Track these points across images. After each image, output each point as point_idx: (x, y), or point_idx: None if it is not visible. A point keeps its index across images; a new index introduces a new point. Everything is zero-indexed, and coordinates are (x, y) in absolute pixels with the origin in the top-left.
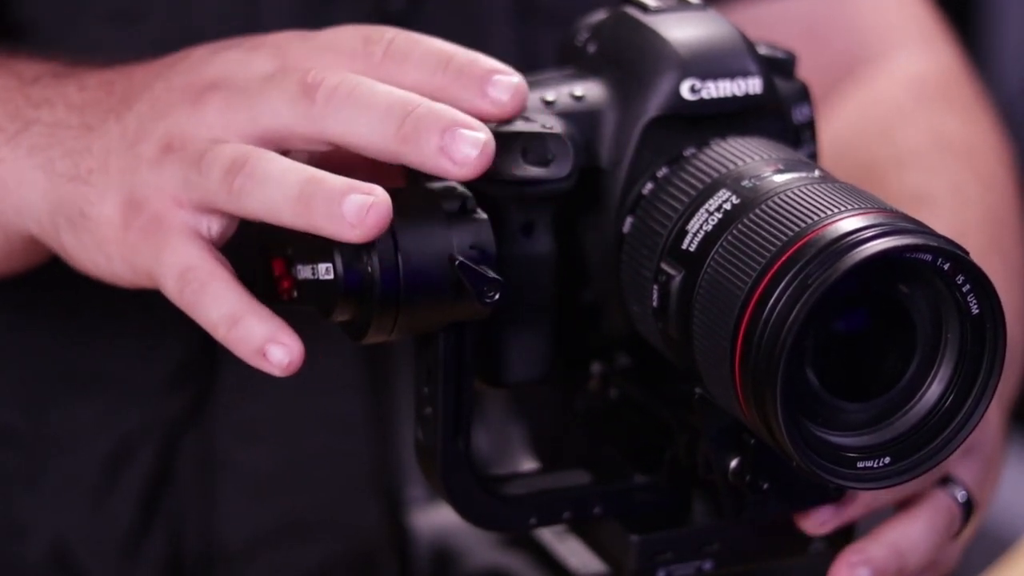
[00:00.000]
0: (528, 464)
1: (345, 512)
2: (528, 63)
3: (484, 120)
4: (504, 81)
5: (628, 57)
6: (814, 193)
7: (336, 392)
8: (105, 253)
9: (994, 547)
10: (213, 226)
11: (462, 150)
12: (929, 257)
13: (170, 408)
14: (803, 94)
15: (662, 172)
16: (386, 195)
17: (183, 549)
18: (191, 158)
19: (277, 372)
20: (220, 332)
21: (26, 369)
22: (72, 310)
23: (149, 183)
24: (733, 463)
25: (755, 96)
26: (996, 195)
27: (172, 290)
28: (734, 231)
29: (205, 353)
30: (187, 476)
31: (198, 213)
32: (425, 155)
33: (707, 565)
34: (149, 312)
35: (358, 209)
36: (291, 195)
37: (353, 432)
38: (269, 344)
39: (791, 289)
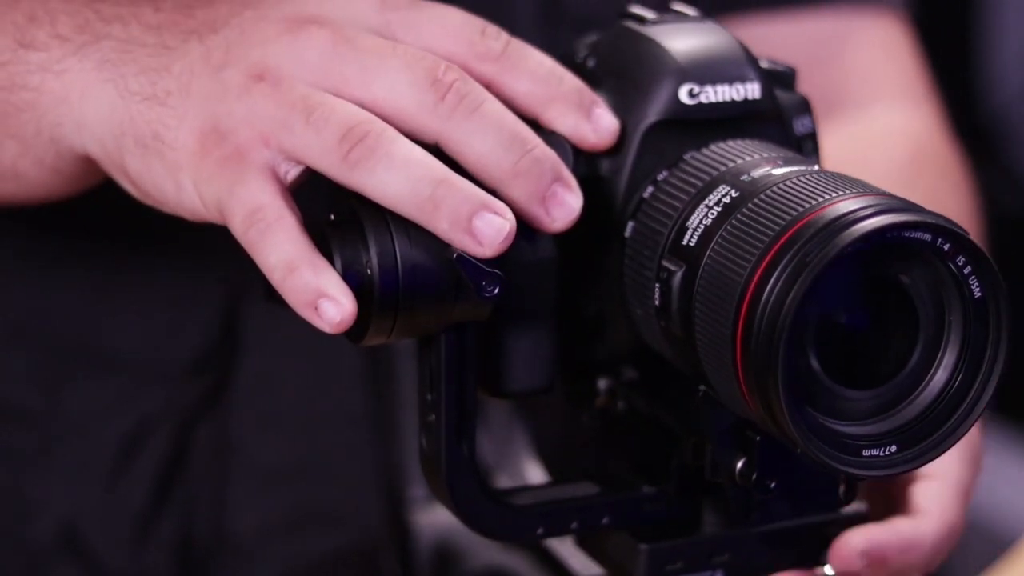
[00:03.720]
0: (533, 471)
1: (352, 507)
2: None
3: (580, 145)
4: (607, 116)
5: (627, 66)
6: (812, 181)
7: (349, 383)
8: (175, 180)
9: (994, 547)
10: (292, 171)
11: (556, 211)
12: (928, 236)
13: (188, 394)
14: (804, 106)
15: (662, 176)
16: (513, 218)
17: (193, 534)
18: (293, 101)
19: (327, 328)
20: (276, 277)
21: (44, 347)
22: (94, 290)
23: (236, 114)
24: (739, 463)
25: (754, 101)
26: None
27: (239, 227)
28: (733, 221)
29: (227, 341)
30: (200, 463)
31: (282, 156)
32: (531, 199)
33: (717, 575)
34: (171, 296)
35: (492, 232)
36: (420, 192)
37: (362, 423)
38: (322, 299)
39: (789, 270)
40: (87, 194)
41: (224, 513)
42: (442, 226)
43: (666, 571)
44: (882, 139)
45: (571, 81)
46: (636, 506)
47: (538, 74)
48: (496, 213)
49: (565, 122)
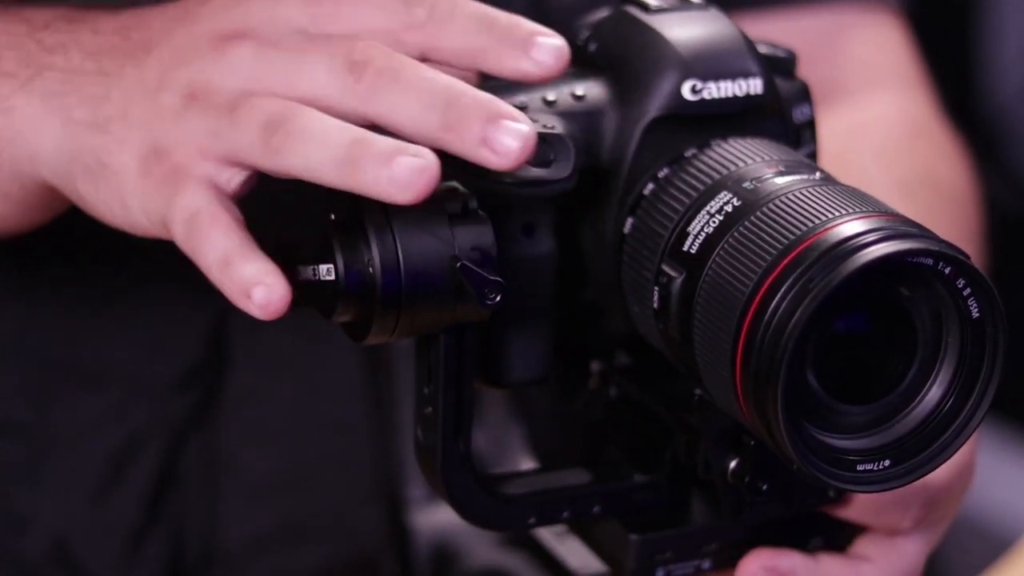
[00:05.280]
0: (528, 464)
1: (346, 516)
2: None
3: (528, 81)
4: (547, 43)
5: (629, 57)
6: (815, 196)
7: (339, 395)
8: (122, 202)
9: (994, 547)
10: (234, 179)
11: (504, 141)
12: (930, 261)
13: (177, 408)
14: (804, 93)
15: (663, 173)
16: (435, 157)
17: (184, 548)
18: (220, 108)
19: (258, 313)
20: (213, 274)
21: (33, 362)
22: (82, 305)
23: (172, 134)
24: (732, 464)
25: (756, 97)
26: (974, 247)
27: (179, 235)
28: (735, 234)
29: (214, 354)
30: (191, 477)
31: (222, 165)
32: (467, 144)
33: (706, 564)
34: (159, 310)
35: (409, 172)
36: (338, 155)
37: (355, 433)
38: (254, 285)
39: (793, 293)
40: (72, 213)
41: (215, 527)
42: (364, 182)
43: (655, 561)
44: (876, 121)
45: (503, 24)
46: (627, 496)
47: (468, 29)
48: (413, 155)
49: (505, 67)
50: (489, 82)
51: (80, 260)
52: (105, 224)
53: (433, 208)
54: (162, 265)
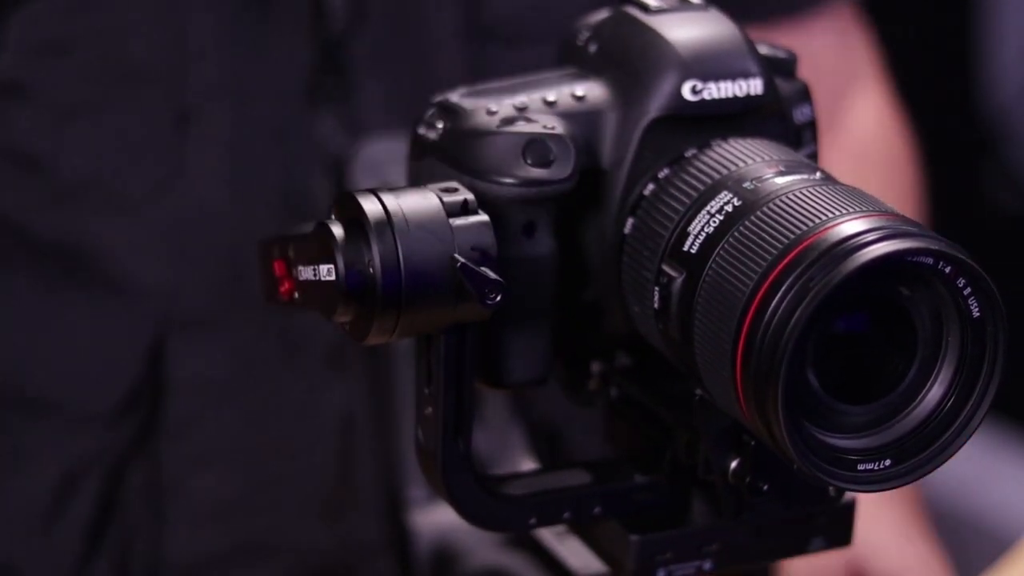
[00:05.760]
0: (528, 465)
1: (298, 535)
2: (478, 78)
3: None
4: None
5: (629, 57)
6: (815, 196)
7: (279, 422)
8: None
9: (994, 547)
10: None
11: None
12: (931, 260)
13: (118, 435)
14: (804, 94)
15: (663, 173)
16: None
17: (129, 574)
18: None
19: None
20: None
21: None
22: (19, 334)
23: None
24: (733, 464)
25: (756, 97)
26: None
27: None
28: (735, 233)
29: (152, 380)
30: (135, 503)
31: None
32: None
33: (707, 565)
34: (96, 338)
35: None
36: None
37: (297, 460)
38: None
39: (793, 293)
40: (9, 242)
41: (161, 552)
42: None
43: (656, 561)
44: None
45: None
46: (627, 496)
47: None
48: None
49: None
50: (489, 83)
51: (15, 290)
52: (37, 254)
53: (433, 208)
54: (96, 294)
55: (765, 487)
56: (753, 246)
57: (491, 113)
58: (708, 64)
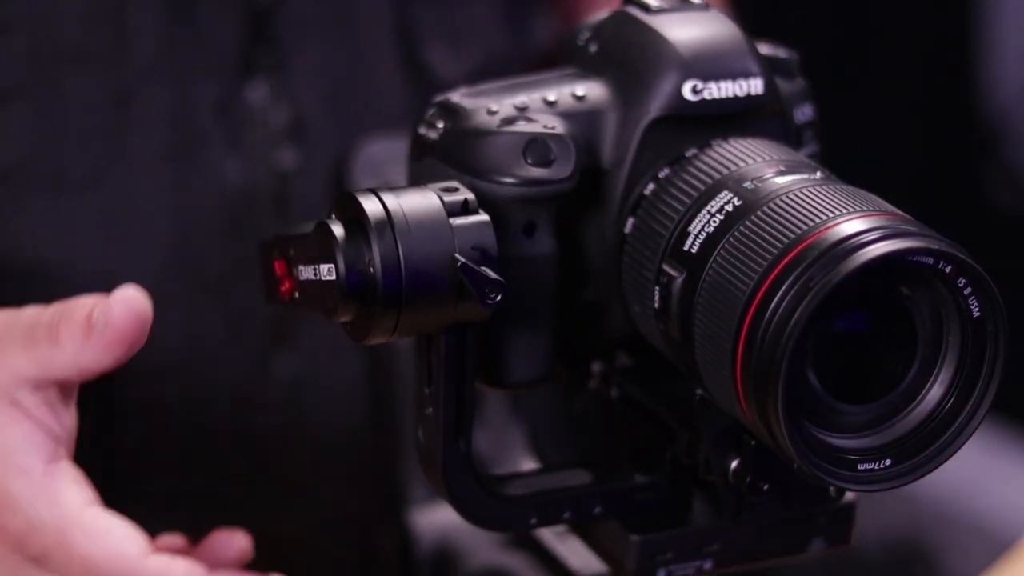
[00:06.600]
0: (528, 464)
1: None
2: (406, 41)
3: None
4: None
5: (630, 57)
6: (816, 195)
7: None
8: None
9: (994, 547)
10: None
11: None
12: (931, 260)
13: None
14: (805, 94)
15: (664, 173)
16: None
17: None
18: None
19: None
20: None
21: None
22: None
23: None
24: (733, 464)
25: (757, 97)
26: None
27: None
28: (736, 233)
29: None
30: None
31: None
32: None
33: (707, 565)
34: None
35: None
36: None
37: (356, 433)
38: None
39: (793, 292)
40: None
41: None
42: None
43: (656, 561)
44: None
45: None
46: (628, 496)
47: None
48: None
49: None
50: (490, 83)
51: None
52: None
53: (433, 207)
54: (34, 279)
55: (765, 487)
56: (753, 246)
57: (491, 113)
58: (708, 64)
